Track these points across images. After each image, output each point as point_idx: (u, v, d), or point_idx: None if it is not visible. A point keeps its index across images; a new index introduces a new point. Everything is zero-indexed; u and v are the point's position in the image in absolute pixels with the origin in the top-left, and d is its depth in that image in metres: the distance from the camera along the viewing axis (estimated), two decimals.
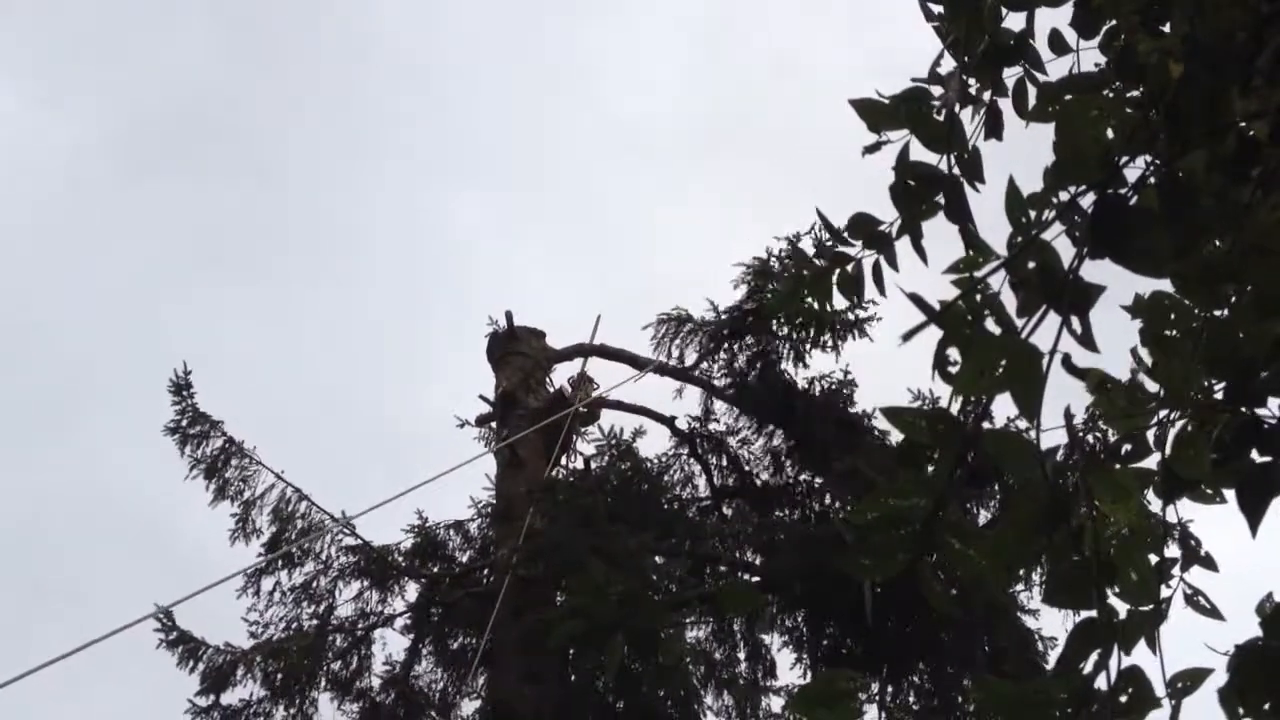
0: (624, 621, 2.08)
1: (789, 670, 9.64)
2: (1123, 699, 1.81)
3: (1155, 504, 2.45)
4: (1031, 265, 1.96)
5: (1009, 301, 2.13)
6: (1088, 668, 1.83)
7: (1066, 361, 1.86)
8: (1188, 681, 2.02)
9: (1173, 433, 2.10)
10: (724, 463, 11.00)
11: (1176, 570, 2.68)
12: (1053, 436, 2.21)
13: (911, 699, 9.05)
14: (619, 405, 11.11)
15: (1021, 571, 9.22)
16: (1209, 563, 2.63)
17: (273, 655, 9.88)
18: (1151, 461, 2.54)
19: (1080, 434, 2.05)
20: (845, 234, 3.17)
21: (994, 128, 3.03)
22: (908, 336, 1.91)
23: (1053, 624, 9.39)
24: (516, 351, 11.35)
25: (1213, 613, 2.57)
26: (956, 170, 2.85)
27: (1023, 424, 2.01)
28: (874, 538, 1.97)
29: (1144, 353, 2.52)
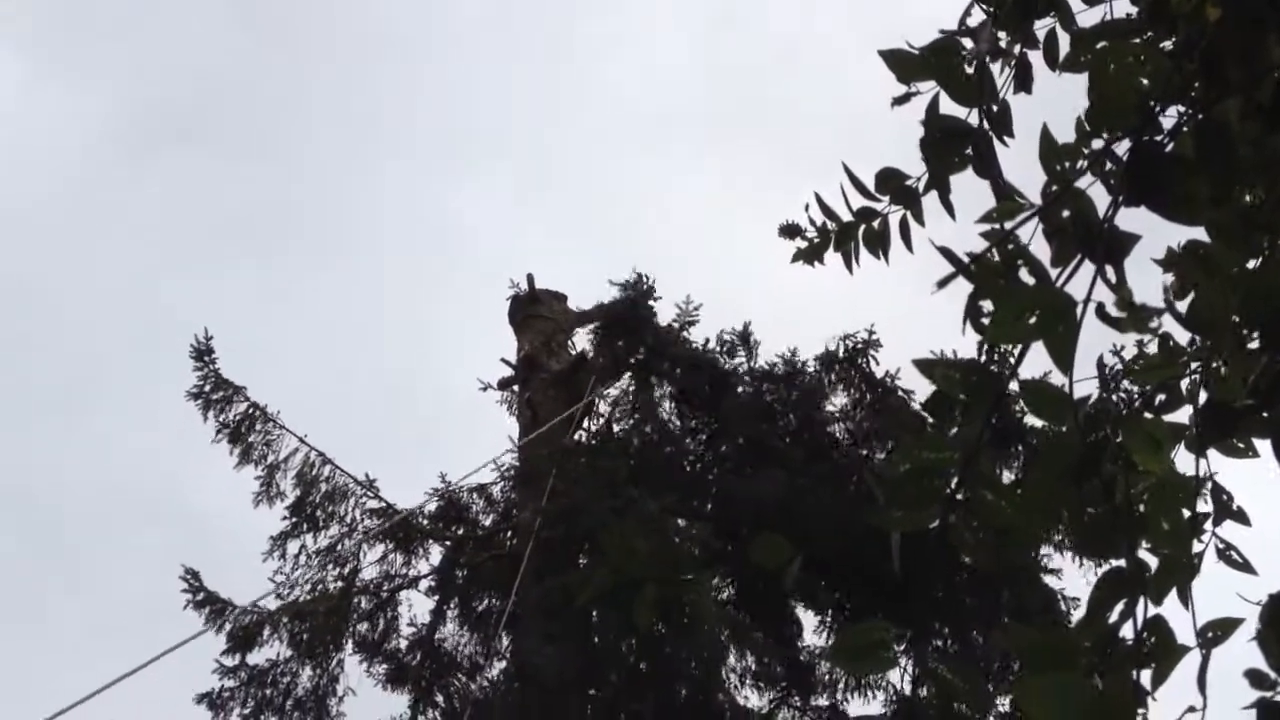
0: (655, 573, 2.08)
1: (812, 633, 9.72)
2: (1146, 648, 1.81)
3: (1184, 466, 2.43)
4: (1066, 214, 1.94)
5: (1041, 253, 2.11)
6: (1113, 617, 1.82)
7: (1100, 310, 1.84)
8: (1218, 631, 2.02)
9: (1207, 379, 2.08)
10: None
11: (1208, 525, 2.67)
12: (1085, 391, 2.20)
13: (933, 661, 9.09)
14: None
15: (1047, 530, 9.23)
16: (1241, 517, 2.61)
17: (299, 616, 9.98)
18: (1183, 416, 2.54)
19: (1113, 385, 2.03)
20: (872, 190, 3.15)
21: (1023, 81, 3.00)
22: (942, 284, 1.90)
23: (1075, 585, 9.41)
24: (538, 314, 11.36)
25: (1245, 567, 2.56)
26: (985, 124, 2.82)
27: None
28: (905, 489, 1.96)
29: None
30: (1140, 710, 1.75)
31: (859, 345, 10.35)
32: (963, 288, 2.18)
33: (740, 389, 9.98)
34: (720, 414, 9.80)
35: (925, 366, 1.99)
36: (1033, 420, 9.20)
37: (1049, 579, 9.16)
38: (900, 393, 10.07)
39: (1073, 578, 9.69)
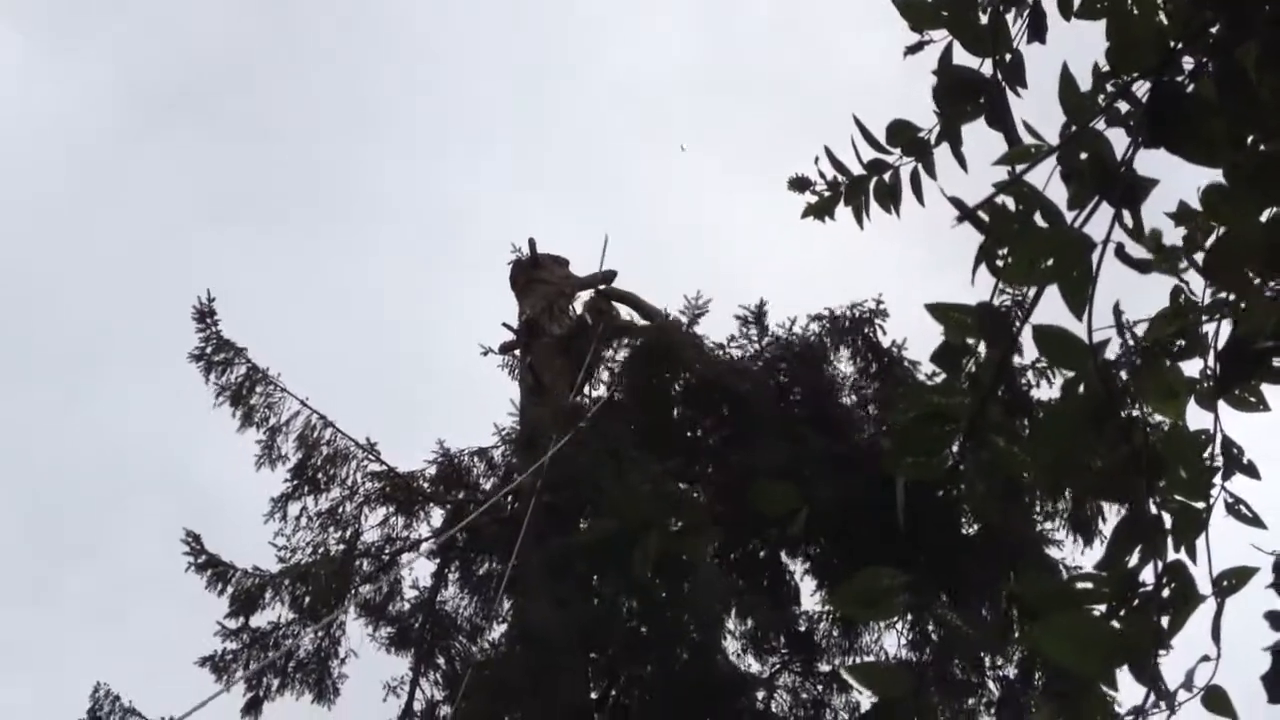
0: (655, 519, 2.07)
1: (809, 598, 9.73)
2: (1165, 593, 1.79)
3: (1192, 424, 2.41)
4: (1083, 156, 1.91)
5: (1057, 198, 2.07)
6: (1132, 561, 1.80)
7: (1120, 250, 1.81)
8: (1233, 580, 2.00)
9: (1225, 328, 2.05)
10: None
11: (1218, 479, 2.65)
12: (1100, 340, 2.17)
13: (932, 628, 9.13)
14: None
15: (1049, 507, 9.23)
16: (1251, 471, 2.59)
17: (300, 579, 10.00)
18: (1192, 370, 2.51)
19: (1129, 333, 2.01)
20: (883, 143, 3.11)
21: (1037, 30, 2.95)
22: (961, 219, 1.86)
23: (1077, 555, 9.41)
24: (540, 279, 11.32)
25: (1255, 521, 2.54)
26: (999, 75, 2.78)
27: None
28: (914, 435, 1.94)
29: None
30: (1157, 651, 1.73)
31: (865, 314, 10.31)
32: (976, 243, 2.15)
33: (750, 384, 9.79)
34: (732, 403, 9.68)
35: (937, 311, 1.96)
36: (1041, 394, 9.21)
37: (1050, 549, 9.17)
38: (906, 363, 10.05)
39: (1073, 551, 9.68)
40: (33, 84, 26.38)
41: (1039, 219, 2.00)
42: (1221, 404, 2.41)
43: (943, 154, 3.06)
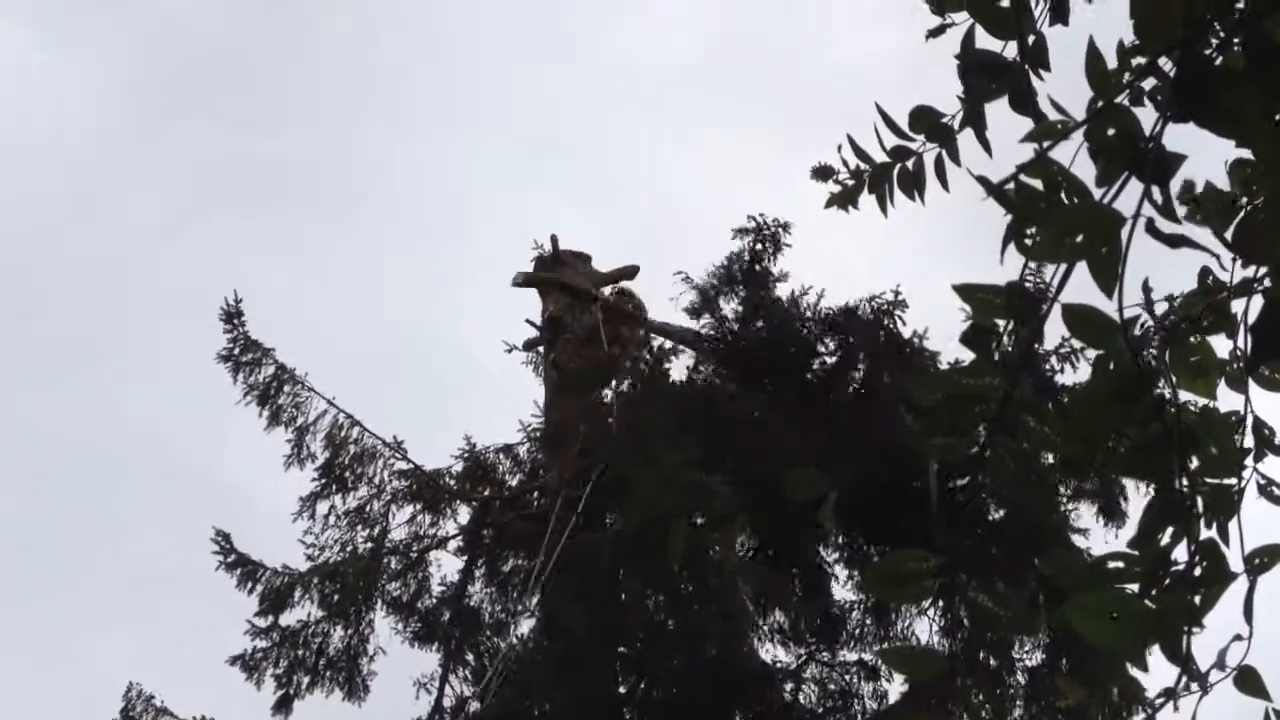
0: (685, 508, 2.07)
1: (842, 588, 9.70)
2: (1197, 572, 1.77)
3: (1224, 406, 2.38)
4: (1111, 132, 1.89)
5: (1085, 177, 2.06)
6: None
7: (1150, 225, 1.79)
8: (1265, 558, 1.98)
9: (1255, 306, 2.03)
10: None
11: (1249, 461, 2.62)
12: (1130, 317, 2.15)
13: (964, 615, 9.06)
14: (663, 330, 11.06)
15: (1073, 489, 9.17)
16: None
17: (329, 577, 10.06)
18: (1224, 352, 2.49)
19: (1160, 312, 1.99)
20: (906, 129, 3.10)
21: (1060, 12, 2.93)
22: (990, 193, 1.85)
23: (1101, 543, 9.35)
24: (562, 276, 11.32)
25: None
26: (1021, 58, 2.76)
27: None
28: (943, 416, 1.93)
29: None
30: (1190, 629, 1.71)
31: (885, 306, 10.27)
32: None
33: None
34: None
35: (964, 291, 1.95)
36: (1066, 380, 9.16)
37: (1076, 538, 9.12)
38: (926, 354, 10.00)
39: (1099, 536, 9.61)
40: (38, 77, 26.55)
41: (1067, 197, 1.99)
42: (1252, 386, 2.39)
43: (966, 141, 3.05)
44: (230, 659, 9.93)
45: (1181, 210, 1.77)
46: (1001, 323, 1.99)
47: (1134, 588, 1.80)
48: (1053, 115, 2.11)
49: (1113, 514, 9.31)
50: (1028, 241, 1.87)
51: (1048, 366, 9.17)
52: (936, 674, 1.91)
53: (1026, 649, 8.92)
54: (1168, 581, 1.76)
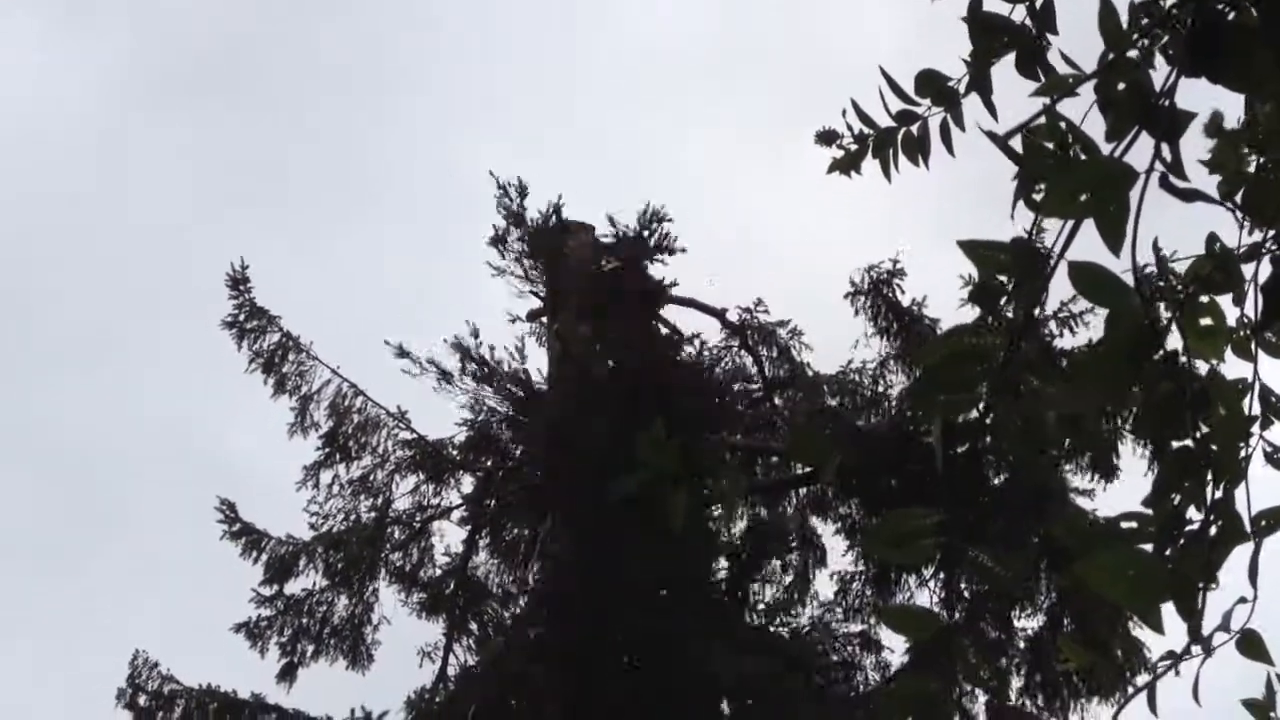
0: (687, 470, 2.06)
1: (840, 558, 9.73)
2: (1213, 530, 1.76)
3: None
4: (1121, 86, 1.86)
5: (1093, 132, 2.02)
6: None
7: (1164, 180, 1.76)
8: (1270, 520, 1.96)
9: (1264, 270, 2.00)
10: (774, 354, 10.96)
11: (1255, 428, 2.61)
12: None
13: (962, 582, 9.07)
14: (670, 299, 11.04)
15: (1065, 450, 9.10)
16: None
17: (333, 546, 10.09)
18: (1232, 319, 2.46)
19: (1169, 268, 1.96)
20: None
21: None
22: (1000, 146, 1.82)
23: (1106, 505, 9.33)
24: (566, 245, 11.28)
25: None
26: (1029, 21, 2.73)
27: None
28: (947, 373, 1.91)
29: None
30: (1205, 586, 1.70)
31: (884, 275, 10.25)
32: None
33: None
34: None
35: (969, 247, 1.92)
36: (1065, 344, 9.11)
37: (1081, 500, 9.10)
38: (926, 321, 10.00)
39: (1103, 499, 9.57)
40: (52, 61, 26.42)
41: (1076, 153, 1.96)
42: (1260, 354, 2.36)
43: (972, 105, 3.02)
44: (235, 626, 9.99)
45: (1209, 144, 1.74)
46: (1007, 280, 1.96)
47: (1148, 547, 1.79)
48: (1063, 68, 2.08)
49: (1106, 470, 9.24)
50: (1036, 197, 1.85)
51: (1046, 331, 9.14)
52: (934, 634, 1.90)
53: (1028, 612, 8.94)
54: (1182, 541, 1.74)
